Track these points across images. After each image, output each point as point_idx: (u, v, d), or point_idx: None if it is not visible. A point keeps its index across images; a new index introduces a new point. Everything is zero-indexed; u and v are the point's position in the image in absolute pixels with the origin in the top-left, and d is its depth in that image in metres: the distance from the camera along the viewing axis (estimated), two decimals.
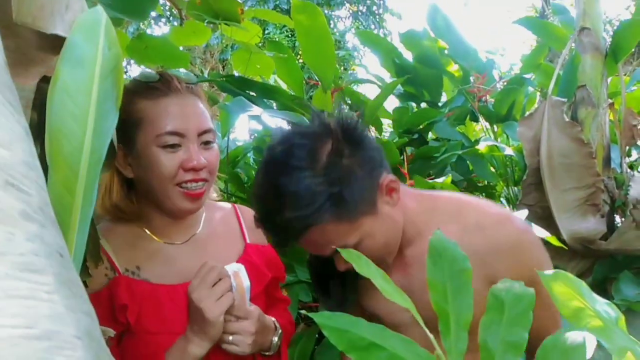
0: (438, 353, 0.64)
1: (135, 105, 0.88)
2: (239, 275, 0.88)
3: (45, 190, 0.41)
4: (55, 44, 0.51)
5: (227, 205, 1.08)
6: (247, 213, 1.04)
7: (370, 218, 0.82)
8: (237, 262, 0.95)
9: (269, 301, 1.03)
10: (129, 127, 0.87)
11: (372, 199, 0.82)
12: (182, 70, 1.53)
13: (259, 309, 0.91)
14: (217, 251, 0.97)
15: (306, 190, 0.76)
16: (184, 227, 0.97)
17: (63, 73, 0.47)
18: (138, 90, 0.89)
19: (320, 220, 0.77)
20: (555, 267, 0.75)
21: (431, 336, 0.65)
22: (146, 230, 0.95)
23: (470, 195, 1.57)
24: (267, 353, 0.95)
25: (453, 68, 2.36)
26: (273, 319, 0.97)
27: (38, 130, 0.56)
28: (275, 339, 0.95)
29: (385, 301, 0.89)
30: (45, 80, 0.61)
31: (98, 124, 0.49)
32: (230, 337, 0.86)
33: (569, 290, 0.71)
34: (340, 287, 0.95)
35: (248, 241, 1.02)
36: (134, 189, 0.94)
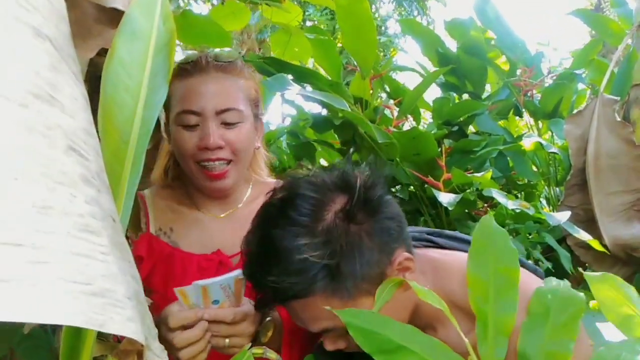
0: (472, 359, 0.60)
1: (169, 86, 0.91)
2: (239, 282, 0.78)
3: (101, 157, 0.43)
4: (112, 17, 0.53)
5: (278, 182, 1.05)
6: None
7: (371, 299, 0.67)
8: None
9: None
10: (165, 105, 0.89)
11: (377, 278, 0.67)
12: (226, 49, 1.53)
13: (251, 302, 0.81)
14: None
15: (298, 255, 0.64)
16: (225, 202, 0.99)
17: (119, 46, 0.49)
18: (173, 72, 0.92)
19: (309, 293, 0.65)
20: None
21: (466, 340, 0.60)
22: (189, 202, 0.98)
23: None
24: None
25: (501, 60, 2.28)
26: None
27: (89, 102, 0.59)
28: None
29: None
30: (98, 54, 0.63)
31: (149, 96, 0.51)
32: (227, 341, 0.77)
33: (617, 295, 0.65)
34: None
35: None
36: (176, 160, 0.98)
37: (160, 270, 0.92)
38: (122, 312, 0.35)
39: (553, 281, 0.64)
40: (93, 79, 0.51)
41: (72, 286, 0.33)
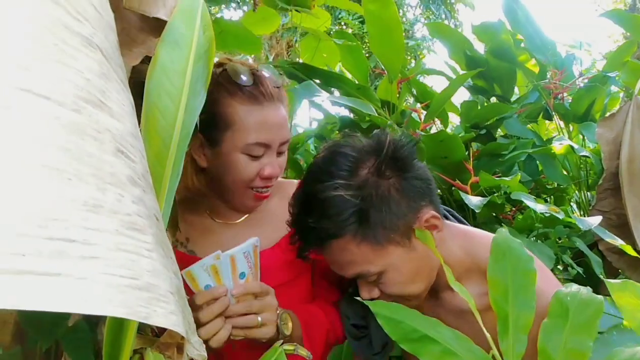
0: (494, 353, 0.63)
1: (228, 107, 0.88)
2: (257, 250, 0.82)
3: (145, 159, 0.45)
4: (155, 26, 0.55)
5: (293, 182, 1.07)
6: None
7: (400, 249, 0.77)
8: (280, 241, 0.96)
9: (312, 288, 1.00)
10: (218, 124, 0.89)
11: (405, 231, 0.76)
12: (263, 66, 1.56)
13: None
14: (266, 229, 0.98)
15: (335, 199, 0.74)
16: (240, 210, 0.99)
17: (162, 54, 0.51)
18: (232, 91, 0.89)
19: (342, 232, 0.74)
20: (627, 279, 0.71)
21: (488, 335, 0.64)
22: (206, 211, 0.99)
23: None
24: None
25: (531, 63, 2.25)
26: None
27: None
28: (287, 332, 0.84)
29: None
30: (140, 61, 0.66)
31: (190, 102, 0.53)
32: (259, 318, 0.79)
33: (637, 302, 0.67)
34: (380, 333, 0.87)
35: None
36: (203, 174, 0.97)
37: None
38: (165, 306, 0.38)
39: (573, 286, 0.67)
40: (135, 85, 0.53)
41: (119, 280, 0.35)
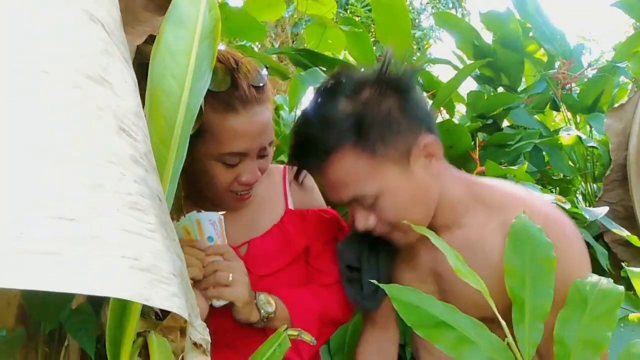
0: (509, 341, 0.62)
1: (201, 113, 0.82)
2: (222, 223, 0.85)
3: (148, 139, 0.44)
4: (160, 4, 0.54)
5: (279, 167, 1.05)
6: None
7: (397, 171, 0.76)
8: (272, 228, 0.96)
9: (306, 274, 0.97)
10: (196, 133, 0.82)
11: (404, 150, 0.77)
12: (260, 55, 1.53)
13: None
14: (256, 216, 0.97)
15: (337, 110, 0.76)
16: None
17: (167, 33, 0.50)
18: (212, 102, 0.80)
19: (341, 142, 0.75)
20: (619, 264, 0.70)
21: (504, 323, 0.63)
22: (190, 201, 0.95)
23: (541, 188, 1.49)
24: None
25: (539, 53, 2.21)
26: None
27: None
28: (270, 310, 0.85)
29: (420, 284, 0.86)
30: (144, 41, 0.65)
31: (194, 83, 0.52)
32: (230, 277, 0.80)
33: None
34: (374, 271, 0.90)
35: (290, 206, 1.00)
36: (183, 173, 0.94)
37: None
38: (167, 288, 0.37)
39: (594, 276, 0.65)
40: (140, 67, 0.52)
41: (121, 260, 0.34)
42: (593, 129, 2.06)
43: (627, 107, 1.71)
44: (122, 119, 0.39)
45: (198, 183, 0.91)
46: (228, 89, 0.81)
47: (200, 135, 0.81)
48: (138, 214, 0.37)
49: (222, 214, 0.85)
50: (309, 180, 1.01)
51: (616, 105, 1.82)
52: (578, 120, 2.18)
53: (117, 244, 0.34)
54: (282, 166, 1.05)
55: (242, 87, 0.82)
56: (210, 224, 0.84)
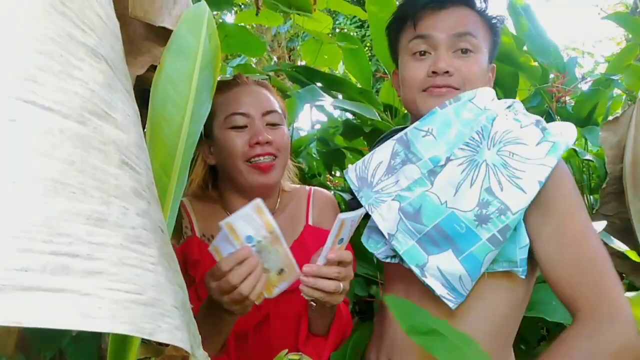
0: None
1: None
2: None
3: (150, 170, 0.44)
4: (161, 35, 0.55)
5: (306, 188, 1.13)
6: (319, 194, 1.10)
7: (487, 52, 0.93)
8: (293, 243, 1.00)
9: None
10: (207, 119, 0.96)
11: (493, 50, 0.97)
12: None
13: None
14: (285, 229, 0.99)
15: None
16: None
17: (168, 63, 0.51)
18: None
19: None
20: (632, 285, 0.71)
21: None
22: (224, 210, 1.03)
23: None
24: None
25: (533, 64, 2.24)
26: None
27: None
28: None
29: None
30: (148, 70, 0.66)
31: (195, 111, 0.52)
32: (341, 284, 0.81)
33: None
34: None
35: (310, 222, 1.06)
36: (217, 175, 1.04)
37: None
38: (170, 321, 0.37)
39: None
40: (141, 94, 0.53)
41: (123, 295, 0.35)
42: (588, 141, 2.07)
43: (621, 120, 1.72)
44: (125, 153, 0.40)
45: (225, 170, 0.99)
46: (230, 79, 1.01)
47: (213, 116, 0.97)
48: (141, 248, 0.38)
49: (256, 201, 0.77)
50: (330, 201, 1.11)
51: (610, 118, 1.84)
52: None
53: (120, 279, 0.35)
54: (309, 187, 1.14)
55: (242, 76, 1.03)
56: (350, 225, 0.81)
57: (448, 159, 0.82)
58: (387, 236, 0.83)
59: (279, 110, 1.01)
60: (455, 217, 0.77)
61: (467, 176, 0.79)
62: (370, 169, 0.89)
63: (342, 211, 1.07)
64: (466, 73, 0.88)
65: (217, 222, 1.00)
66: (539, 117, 0.87)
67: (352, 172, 0.92)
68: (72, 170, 0.36)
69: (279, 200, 1.07)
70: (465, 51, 0.89)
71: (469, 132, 0.83)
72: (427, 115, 0.87)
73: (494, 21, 0.93)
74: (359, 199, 0.88)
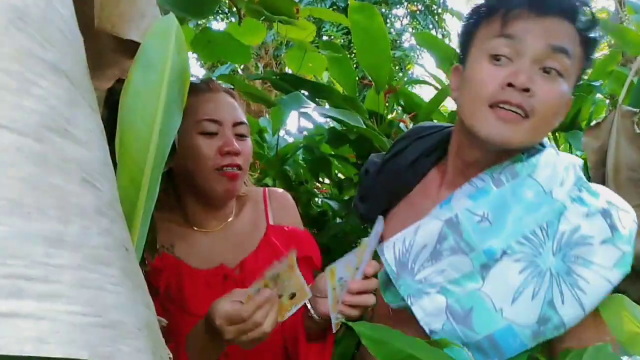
0: None
1: None
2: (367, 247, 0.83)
3: (115, 187, 0.44)
4: (129, 48, 0.54)
5: (258, 189, 1.14)
6: (274, 194, 1.11)
7: (567, 93, 0.79)
8: (259, 244, 1.01)
9: None
10: None
11: (580, 76, 0.83)
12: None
13: None
14: (243, 236, 1.04)
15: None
16: (218, 216, 1.04)
17: (135, 76, 0.50)
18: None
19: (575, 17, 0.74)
20: (616, 289, 0.71)
21: None
22: (181, 219, 1.03)
23: None
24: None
25: None
26: None
27: (107, 128, 0.61)
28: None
29: None
30: (117, 82, 0.65)
31: (164, 125, 0.52)
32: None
33: (625, 313, 0.68)
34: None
35: (271, 222, 1.07)
36: (172, 180, 1.03)
37: (174, 282, 0.95)
38: (131, 344, 0.36)
39: None
40: (112, 106, 0.52)
41: (81, 319, 0.33)
42: (572, 146, 2.09)
43: (603, 125, 1.74)
44: (86, 170, 0.39)
45: (188, 174, 0.97)
46: (201, 83, 1.00)
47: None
48: (101, 268, 0.37)
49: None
50: (288, 199, 1.11)
51: (593, 123, 1.86)
52: (557, 138, 2.22)
53: (78, 302, 0.34)
54: (262, 188, 1.14)
55: (211, 81, 1.03)
56: (342, 266, 0.83)
57: (504, 252, 0.72)
58: (428, 332, 0.75)
59: (246, 122, 1.02)
60: (512, 330, 0.70)
61: (529, 284, 0.70)
62: (413, 253, 0.78)
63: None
64: (543, 98, 0.72)
65: (176, 231, 1.01)
66: (605, 198, 0.77)
67: (390, 253, 0.81)
68: (28, 189, 0.35)
69: (234, 205, 1.08)
70: (549, 71, 0.73)
71: (531, 222, 0.73)
72: (480, 194, 0.76)
73: (593, 45, 0.78)
74: (397, 287, 0.79)
